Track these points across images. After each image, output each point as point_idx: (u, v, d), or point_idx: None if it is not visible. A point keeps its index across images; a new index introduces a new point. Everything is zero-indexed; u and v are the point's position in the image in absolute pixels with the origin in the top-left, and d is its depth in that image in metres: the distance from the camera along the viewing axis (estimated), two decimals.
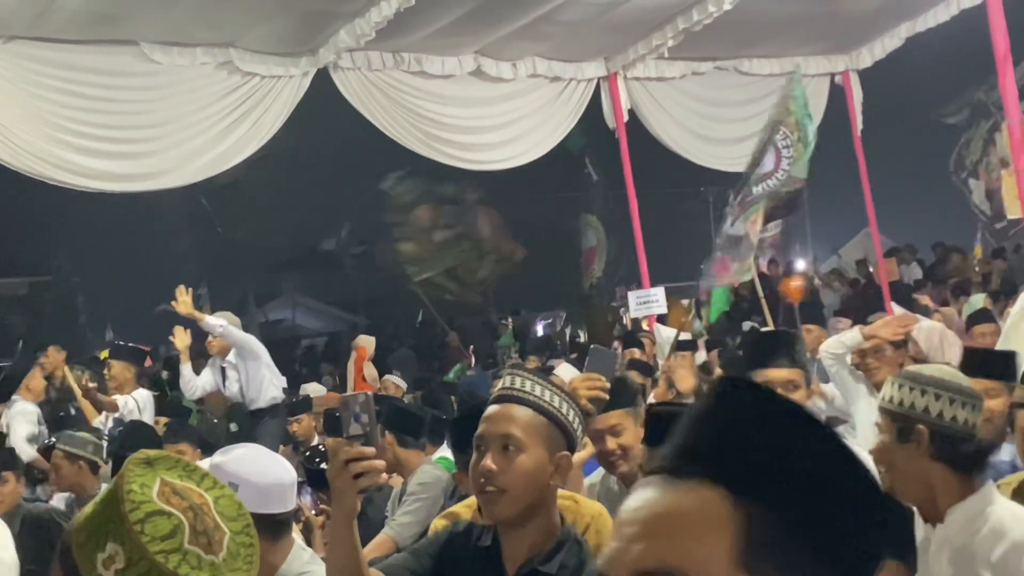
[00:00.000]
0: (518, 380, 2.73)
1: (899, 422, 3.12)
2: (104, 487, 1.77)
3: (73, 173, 8.81)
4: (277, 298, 28.84)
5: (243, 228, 24.28)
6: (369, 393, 2.71)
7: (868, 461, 4.48)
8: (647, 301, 10.84)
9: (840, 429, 5.22)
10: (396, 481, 5.95)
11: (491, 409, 2.75)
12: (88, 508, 1.71)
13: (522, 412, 2.69)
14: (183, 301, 9.48)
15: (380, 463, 2.56)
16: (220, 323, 9.58)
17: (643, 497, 1.15)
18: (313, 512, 6.13)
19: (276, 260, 26.72)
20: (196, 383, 10.00)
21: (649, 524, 1.13)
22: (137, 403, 9.10)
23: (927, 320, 8.99)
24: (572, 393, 2.84)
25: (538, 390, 2.72)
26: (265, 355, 9.83)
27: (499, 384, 2.80)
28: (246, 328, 10.53)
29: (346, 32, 9.35)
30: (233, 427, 10.28)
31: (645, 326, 11.14)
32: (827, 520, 1.10)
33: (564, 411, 2.72)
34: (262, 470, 3.12)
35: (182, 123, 9.29)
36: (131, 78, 9.08)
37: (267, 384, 9.77)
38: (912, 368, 3.39)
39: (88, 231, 23.25)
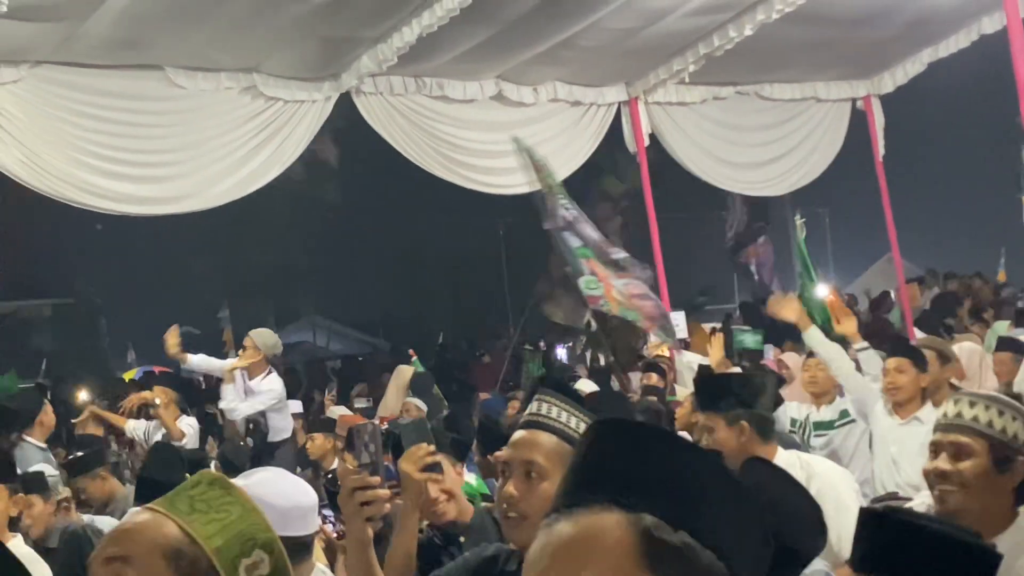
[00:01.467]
0: (544, 406, 2.74)
1: (999, 451, 3.04)
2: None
3: (98, 196, 8.89)
4: (297, 320, 28.91)
5: (262, 250, 24.39)
6: (376, 423, 2.77)
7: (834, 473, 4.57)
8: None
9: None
10: None
11: (516, 435, 2.77)
12: (217, 515, 1.71)
13: (546, 439, 2.70)
14: (171, 343, 9.41)
15: (385, 492, 2.62)
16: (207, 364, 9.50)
17: (547, 536, 1.30)
18: (335, 536, 6.13)
19: (296, 281, 26.81)
20: (240, 408, 9.54)
21: (558, 555, 1.26)
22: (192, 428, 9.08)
23: (968, 342, 8.94)
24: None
25: (564, 416, 2.72)
26: (276, 402, 9.58)
27: (528, 409, 2.81)
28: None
29: (368, 57, 9.42)
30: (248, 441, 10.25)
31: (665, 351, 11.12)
32: (710, 518, 1.25)
33: None
34: (283, 493, 3.14)
35: (205, 147, 9.36)
36: (155, 102, 9.16)
37: (281, 427, 9.66)
38: (1003, 395, 3.27)
39: (111, 253, 23.40)
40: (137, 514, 1.75)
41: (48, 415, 8.98)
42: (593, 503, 1.27)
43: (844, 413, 7.06)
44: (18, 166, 8.52)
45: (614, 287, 9.39)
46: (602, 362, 15.42)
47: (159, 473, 5.07)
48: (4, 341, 22.63)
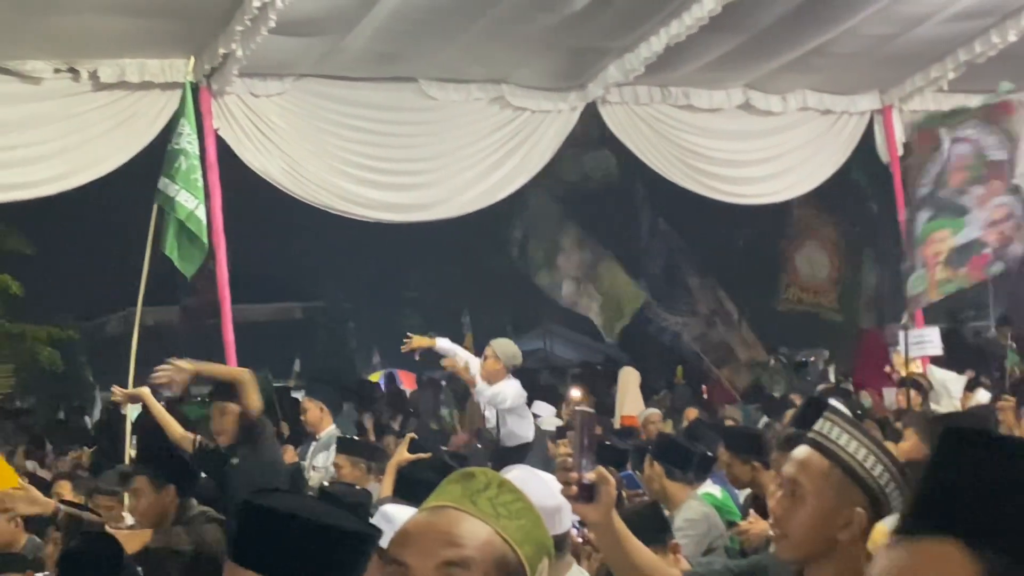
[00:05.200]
0: (827, 425, 2.70)
1: None
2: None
3: (354, 204, 9.25)
4: (534, 328, 29.22)
5: (501, 259, 24.78)
6: (583, 410, 2.75)
7: None
8: (920, 341, 10.40)
9: None
10: None
11: (796, 451, 2.75)
12: (519, 521, 1.74)
13: (819, 461, 2.67)
14: (419, 339, 9.48)
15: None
16: (461, 357, 9.49)
17: (886, 561, 1.21)
18: (580, 540, 6.15)
19: (533, 289, 27.11)
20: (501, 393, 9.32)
21: None
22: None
23: None
24: (890, 451, 2.74)
25: (844, 439, 2.67)
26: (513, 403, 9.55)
27: (815, 425, 2.76)
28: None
29: (615, 67, 9.47)
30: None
31: (918, 367, 10.68)
32: None
33: (870, 466, 2.65)
34: (540, 491, 3.17)
35: (455, 156, 9.60)
36: (409, 113, 9.47)
37: (521, 433, 9.60)
38: None
39: (358, 259, 24.23)
40: (450, 514, 1.72)
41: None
42: (936, 532, 1.17)
43: None
44: (281, 174, 8.95)
45: (940, 259, 9.28)
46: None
47: (419, 471, 5.19)
48: (259, 343, 23.79)
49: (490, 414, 9.59)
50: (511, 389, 9.34)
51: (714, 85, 10.31)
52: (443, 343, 9.46)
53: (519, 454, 9.50)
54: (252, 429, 6.38)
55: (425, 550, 1.68)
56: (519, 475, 3.36)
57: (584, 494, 2.69)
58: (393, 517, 3.27)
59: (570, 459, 2.69)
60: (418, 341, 9.45)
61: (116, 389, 7.32)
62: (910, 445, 6.12)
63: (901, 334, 10.29)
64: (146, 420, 12.88)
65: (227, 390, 6.48)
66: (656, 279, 19.73)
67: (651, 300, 19.51)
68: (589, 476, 2.67)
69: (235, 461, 6.37)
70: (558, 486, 3.35)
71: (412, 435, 6.44)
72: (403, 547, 1.70)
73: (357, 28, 8.27)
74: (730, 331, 18.51)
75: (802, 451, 2.71)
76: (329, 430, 8.66)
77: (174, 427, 6.59)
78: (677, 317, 20.80)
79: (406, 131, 9.51)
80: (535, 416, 9.95)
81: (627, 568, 2.88)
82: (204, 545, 5.20)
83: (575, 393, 10.49)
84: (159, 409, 6.74)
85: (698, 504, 5.70)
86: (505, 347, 9.62)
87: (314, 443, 8.67)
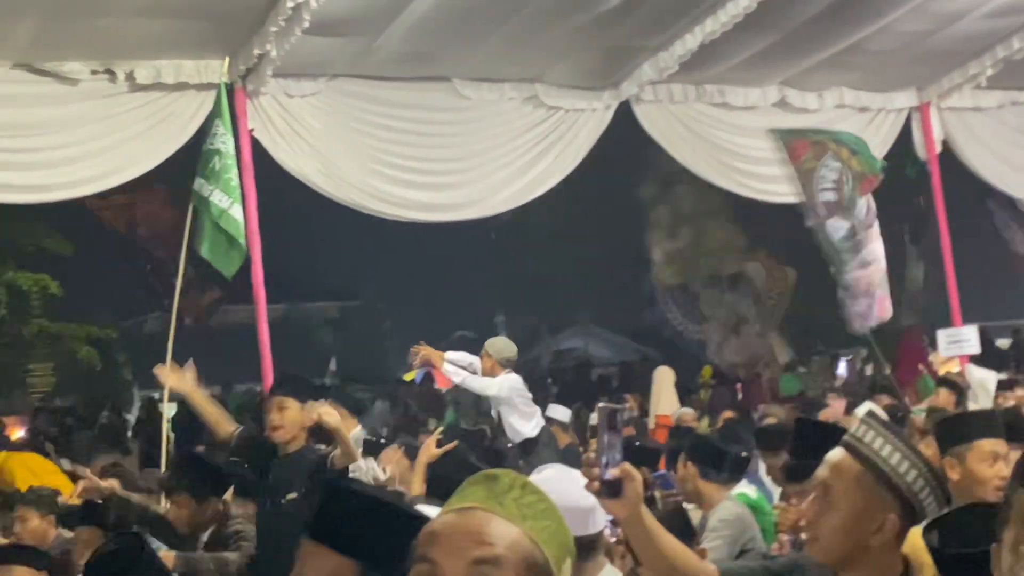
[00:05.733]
0: (862, 428, 2.69)
1: None
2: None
3: (388, 203, 9.27)
4: (570, 328, 29.20)
5: (536, 259, 24.77)
6: (608, 406, 2.73)
7: None
8: (958, 340, 10.31)
9: None
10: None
11: (831, 453, 2.74)
12: (544, 522, 1.74)
13: (851, 465, 2.67)
14: (427, 351, 9.40)
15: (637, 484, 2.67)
16: (458, 372, 9.41)
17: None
18: (612, 540, 6.13)
19: (569, 290, 27.08)
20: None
21: None
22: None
23: None
24: (925, 457, 2.71)
25: (878, 443, 2.65)
26: (516, 400, 9.49)
27: (853, 429, 2.75)
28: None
29: (649, 65, 9.43)
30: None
31: (956, 367, 10.58)
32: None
33: (903, 471, 2.62)
34: (561, 492, 3.15)
35: (489, 156, 9.60)
36: (443, 113, 9.48)
37: (511, 424, 9.50)
38: None
39: (394, 259, 24.31)
40: (479, 514, 1.72)
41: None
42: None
43: None
44: (316, 175, 8.98)
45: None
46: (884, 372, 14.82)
47: (452, 471, 5.19)
48: (292, 341, 23.91)
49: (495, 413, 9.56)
50: (497, 380, 9.29)
51: (749, 83, 10.25)
52: (450, 358, 9.31)
53: (524, 450, 9.40)
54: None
55: (455, 549, 1.68)
56: (552, 475, 3.34)
57: (608, 490, 2.67)
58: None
59: (592, 455, 2.69)
60: (426, 353, 9.35)
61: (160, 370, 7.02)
62: (933, 452, 6.06)
63: (939, 333, 10.21)
64: (183, 418, 13.01)
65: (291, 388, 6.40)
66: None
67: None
68: (613, 472, 2.65)
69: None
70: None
71: (439, 434, 6.41)
72: (432, 546, 1.70)
73: (391, 28, 8.28)
74: (764, 332, 18.44)
75: (836, 454, 2.71)
76: (355, 432, 8.63)
77: (216, 420, 6.43)
78: (697, 326, 20.79)
79: (440, 131, 9.50)
80: (549, 420, 9.89)
81: (660, 563, 2.87)
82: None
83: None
84: (202, 400, 6.49)
85: (732, 505, 5.66)
86: (496, 344, 9.57)
87: None
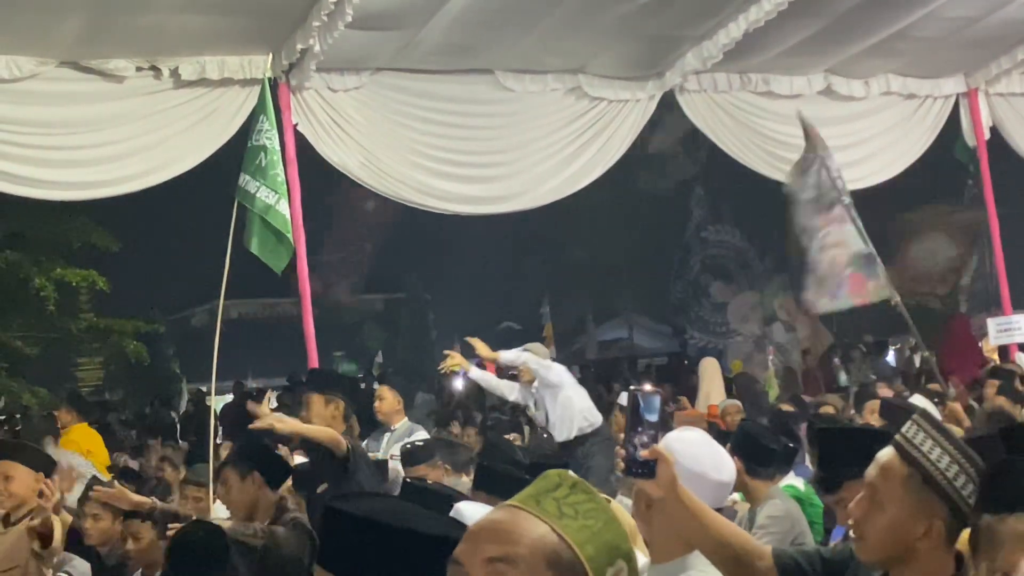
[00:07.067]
0: (912, 428, 2.64)
1: None
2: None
3: (431, 196, 9.27)
4: (615, 318, 29.11)
5: (582, 249, 24.70)
6: (634, 391, 2.72)
7: None
8: (1008, 329, 10.17)
9: None
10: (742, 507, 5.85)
11: (880, 453, 2.70)
12: (586, 521, 1.73)
13: (899, 467, 2.62)
14: (480, 346, 9.34)
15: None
16: (520, 358, 9.33)
17: None
18: None
19: (615, 280, 26.99)
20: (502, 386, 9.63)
21: None
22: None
23: None
24: (976, 459, 2.66)
25: (927, 445, 2.60)
26: (570, 388, 9.40)
27: (903, 428, 2.71)
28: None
29: (693, 55, 9.37)
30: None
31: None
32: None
33: (952, 475, 2.57)
34: (688, 456, 3.12)
35: (532, 148, 9.57)
36: (486, 105, 9.46)
37: (570, 419, 9.34)
38: None
39: (438, 251, 24.35)
40: (508, 511, 1.72)
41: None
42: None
43: None
44: (359, 168, 9.00)
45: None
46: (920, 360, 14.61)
47: (498, 464, 5.18)
48: (341, 333, 24.02)
49: (540, 413, 9.46)
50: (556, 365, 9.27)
51: (794, 71, 10.16)
52: (508, 356, 9.24)
53: (582, 442, 9.27)
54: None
55: (474, 547, 1.69)
56: (693, 437, 3.31)
57: (638, 469, 2.68)
58: (465, 515, 3.24)
59: (622, 435, 2.69)
60: (458, 361, 9.31)
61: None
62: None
63: (988, 321, 10.07)
64: (231, 412, 13.10)
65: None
66: None
67: None
68: (643, 453, 2.65)
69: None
70: (728, 463, 3.32)
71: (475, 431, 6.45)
72: (462, 545, 1.71)
73: (433, 21, 8.28)
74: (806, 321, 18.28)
75: (886, 454, 2.67)
76: (403, 422, 8.64)
77: (331, 437, 6.39)
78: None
79: (483, 123, 9.50)
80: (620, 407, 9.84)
81: (708, 542, 2.86)
82: (274, 545, 5.24)
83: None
84: (307, 429, 6.44)
85: (781, 501, 5.59)
86: (535, 350, 9.48)
87: (388, 434, 8.59)
